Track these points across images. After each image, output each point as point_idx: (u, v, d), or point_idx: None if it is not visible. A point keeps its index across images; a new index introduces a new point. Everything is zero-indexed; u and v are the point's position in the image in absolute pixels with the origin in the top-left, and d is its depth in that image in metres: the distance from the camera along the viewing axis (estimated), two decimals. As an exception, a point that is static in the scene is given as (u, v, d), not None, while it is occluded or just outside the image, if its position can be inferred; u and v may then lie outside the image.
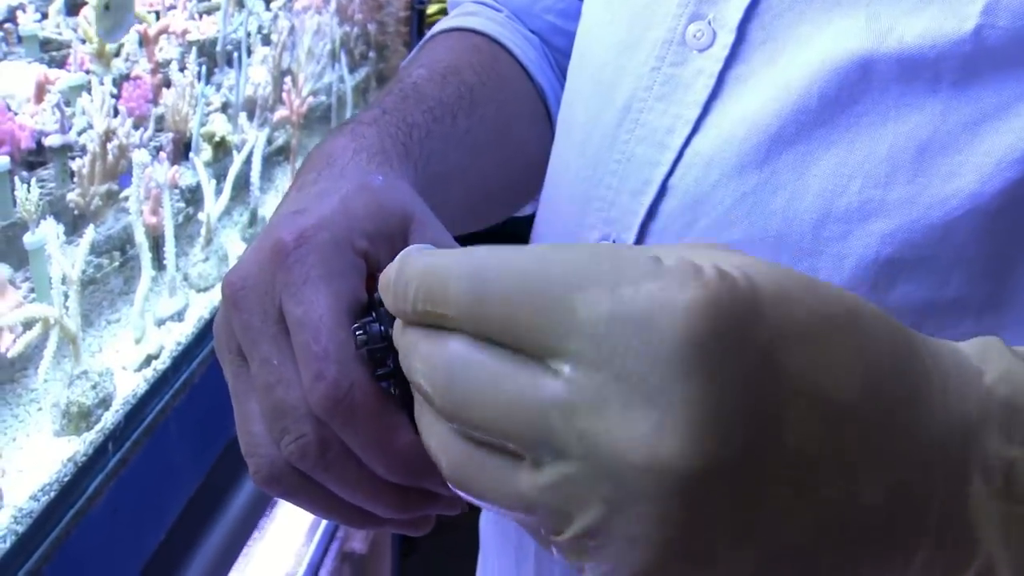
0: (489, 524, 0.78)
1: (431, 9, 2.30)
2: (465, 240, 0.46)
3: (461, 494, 0.34)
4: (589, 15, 0.67)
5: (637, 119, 0.59)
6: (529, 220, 0.81)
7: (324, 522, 1.49)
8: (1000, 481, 0.33)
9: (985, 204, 0.49)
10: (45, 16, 1.19)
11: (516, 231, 0.72)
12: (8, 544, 0.79)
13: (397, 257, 0.36)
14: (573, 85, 0.68)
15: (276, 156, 1.46)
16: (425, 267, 0.34)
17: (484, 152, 0.66)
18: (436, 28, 0.77)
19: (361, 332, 0.40)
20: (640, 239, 0.58)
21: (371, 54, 1.90)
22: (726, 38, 0.55)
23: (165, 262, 1.09)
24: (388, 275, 0.36)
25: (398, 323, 0.37)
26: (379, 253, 0.44)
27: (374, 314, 0.40)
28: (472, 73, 0.67)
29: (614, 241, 0.59)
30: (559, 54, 0.77)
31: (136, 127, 1.09)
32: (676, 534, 0.29)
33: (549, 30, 0.76)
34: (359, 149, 0.51)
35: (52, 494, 0.85)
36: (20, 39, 1.16)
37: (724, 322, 0.29)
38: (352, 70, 1.76)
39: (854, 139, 0.51)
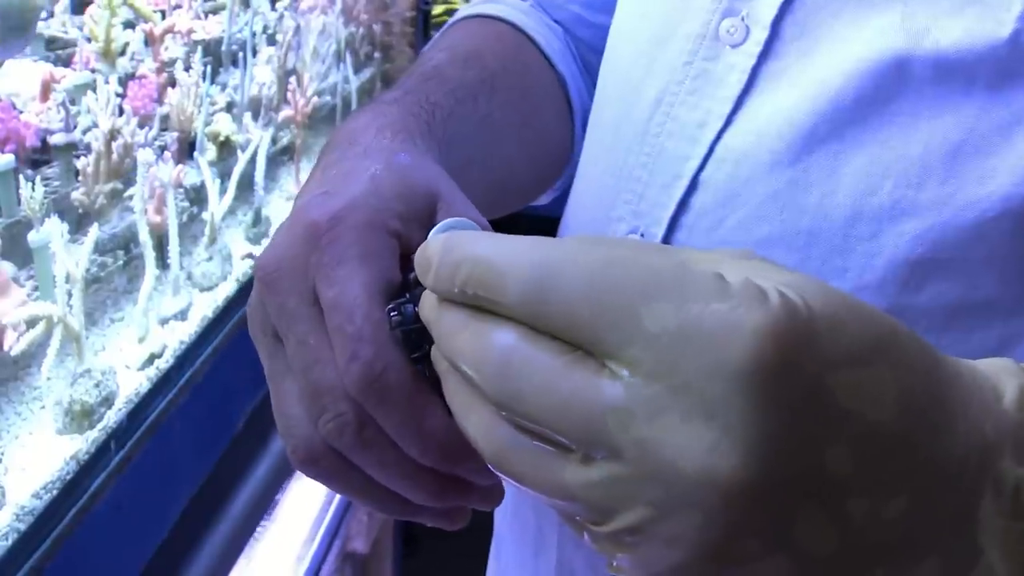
0: (506, 515, 0.78)
1: (437, 10, 2.30)
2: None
3: (498, 475, 0.35)
4: (623, 9, 0.67)
5: (668, 112, 0.59)
6: (544, 210, 0.81)
7: (326, 522, 1.49)
8: (1009, 500, 0.34)
9: (1018, 207, 0.49)
10: (51, 15, 1.20)
11: (532, 224, 0.72)
12: (10, 542, 0.79)
13: (433, 233, 0.37)
14: (605, 79, 0.68)
15: (281, 156, 1.47)
16: (480, 253, 0.34)
17: (505, 137, 0.66)
18: (458, 15, 0.77)
19: (395, 313, 0.40)
20: (669, 233, 0.58)
21: (376, 55, 1.90)
22: (760, 34, 0.55)
23: (169, 261, 1.09)
24: (427, 253, 0.36)
25: (429, 298, 0.37)
26: (411, 233, 0.44)
27: (408, 295, 0.40)
28: (494, 59, 0.67)
29: (642, 235, 0.59)
30: (583, 46, 0.77)
31: (141, 126, 1.09)
32: (716, 538, 0.30)
33: (574, 20, 0.76)
34: (382, 127, 0.51)
35: (54, 492, 0.85)
36: (26, 37, 1.16)
37: (786, 348, 0.30)
38: (357, 71, 1.76)
39: (887, 139, 0.51)
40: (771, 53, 0.55)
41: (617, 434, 0.31)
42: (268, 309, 0.44)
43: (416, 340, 0.40)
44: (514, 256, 0.33)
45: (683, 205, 0.57)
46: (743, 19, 0.56)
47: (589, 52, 0.76)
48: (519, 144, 0.69)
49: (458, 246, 0.35)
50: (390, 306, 0.41)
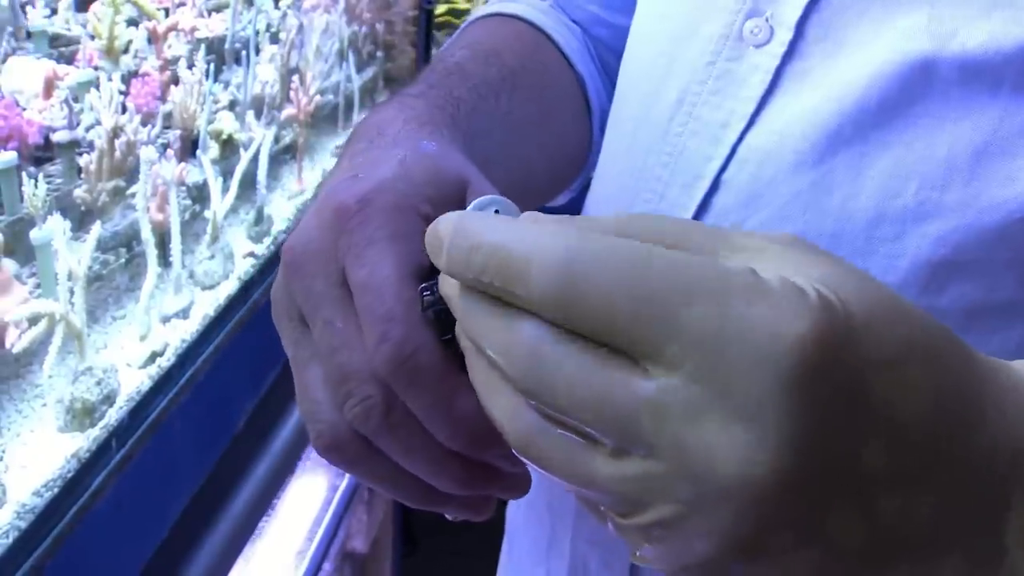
0: (520, 509, 0.78)
1: (439, 9, 2.30)
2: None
3: (525, 461, 0.35)
4: (643, 9, 0.67)
5: (690, 112, 0.58)
6: (560, 210, 0.80)
7: (326, 521, 1.49)
8: None
9: None
10: (55, 12, 1.19)
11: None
12: (11, 540, 0.79)
13: (471, 209, 0.36)
14: (625, 77, 0.68)
15: (283, 155, 1.46)
16: (498, 241, 0.33)
17: (525, 135, 0.66)
18: (475, 14, 0.77)
19: (428, 293, 0.39)
20: None
21: (379, 54, 1.90)
22: (784, 35, 0.55)
23: (171, 259, 1.09)
24: (437, 232, 0.35)
25: (449, 279, 0.36)
26: None
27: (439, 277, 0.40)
28: (514, 57, 0.67)
29: None
30: (601, 46, 0.77)
31: (144, 124, 1.09)
32: (748, 532, 0.31)
33: (591, 20, 0.76)
34: (409, 119, 0.51)
35: (55, 490, 0.85)
36: (29, 35, 1.16)
37: (826, 351, 0.30)
38: (359, 70, 1.76)
39: (912, 140, 0.51)
40: (795, 53, 0.55)
41: (653, 432, 0.31)
42: (294, 293, 0.44)
43: (447, 321, 0.39)
44: (538, 246, 0.32)
45: (704, 206, 0.57)
46: (767, 20, 0.56)
47: (607, 52, 0.76)
48: (538, 143, 0.68)
49: (473, 231, 0.34)
50: (422, 286, 0.40)
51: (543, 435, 0.33)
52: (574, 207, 0.75)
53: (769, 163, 0.55)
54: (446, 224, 0.35)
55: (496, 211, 0.37)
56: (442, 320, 0.39)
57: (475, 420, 0.39)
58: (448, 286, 0.36)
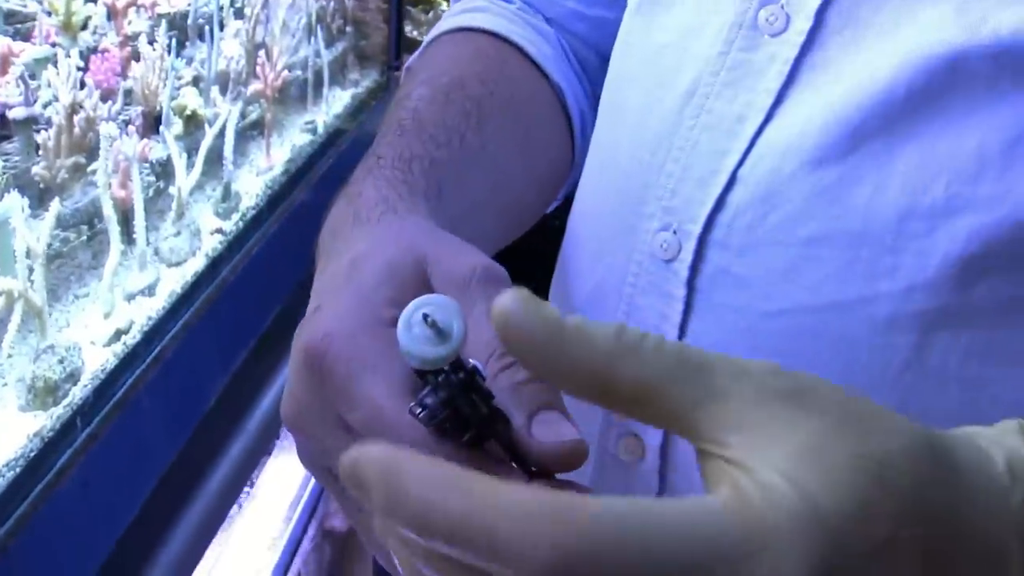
0: None
1: (410, -15, 2.28)
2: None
3: None
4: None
5: (703, 105, 0.57)
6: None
7: (304, 498, 1.48)
8: None
9: None
10: (11, -12, 1.17)
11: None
12: (-28, 519, 0.78)
13: (402, 318, 0.34)
14: (622, 69, 0.66)
15: (251, 131, 1.45)
16: (460, 527, 0.30)
17: (505, 164, 0.64)
18: (440, 27, 0.74)
19: (420, 410, 0.37)
20: (706, 231, 0.56)
21: (348, 29, 1.88)
22: (803, 24, 0.53)
23: (135, 236, 1.08)
24: (361, 479, 0.32)
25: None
26: None
27: (426, 385, 0.38)
28: (478, 84, 0.65)
29: (675, 232, 0.57)
30: (577, 41, 0.74)
31: (104, 100, 1.07)
32: None
33: (567, 16, 0.74)
34: (357, 212, 0.50)
35: (18, 469, 0.84)
36: (-15, 12, 1.14)
37: None
38: (329, 45, 1.74)
39: (940, 133, 0.50)
40: (814, 43, 0.53)
41: None
42: (310, 460, 0.44)
43: (456, 424, 0.37)
44: (530, 535, 0.29)
45: (720, 202, 0.55)
46: (782, 7, 0.54)
47: (585, 49, 0.74)
48: (521, 166, 0.67)
49: (411, 495, 0.30)
50: (412, 405, 0.38)
51: None
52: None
53: (790, 158, 0.53)
54: (370, 472, 0.31)
55: (425, 315, 0.34)
56: (451, 427, 0.38)
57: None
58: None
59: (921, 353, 0.51)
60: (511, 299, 0.33)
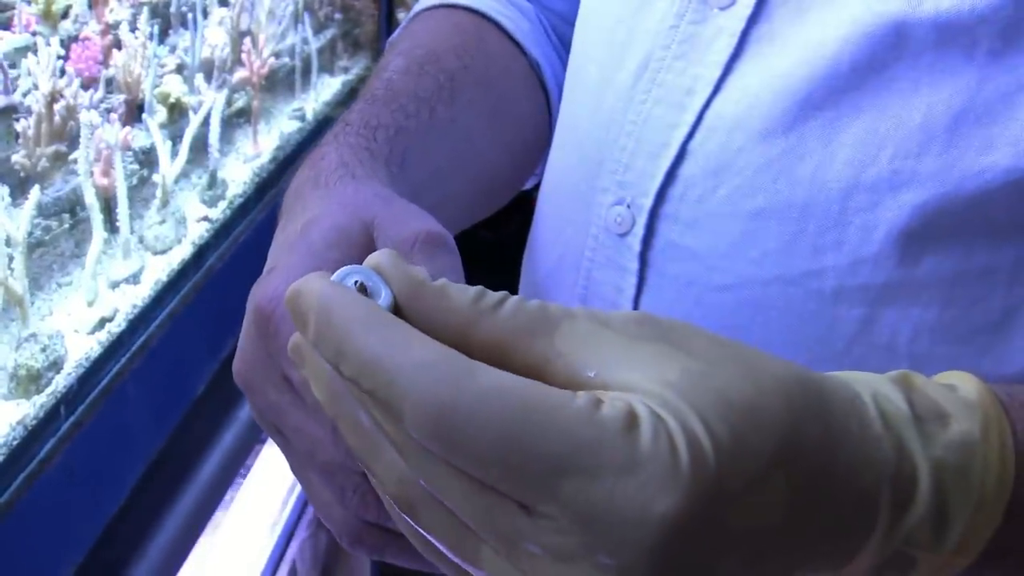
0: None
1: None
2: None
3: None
4: None
5: (654, 79, 0.57)
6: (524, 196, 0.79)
7: (297, 489, 1.48)
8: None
9: (1021, 176, 0.47)
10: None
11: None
12: (-47, 507, 0.78)
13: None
14: (581, 44, 0.66)
15: (237, 118, 1.44)
16: (370, 360, 0.32)
17: (476, 138, 0.65)
18: (422, 3, 0.75)
19: None
20: (657, 204, 0.56)
21: (337, 15, 1.87)
22: None
23: (118, 224, 1.07)
24: (300, 308, 0.34)
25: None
26: None
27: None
28: (454, 57, 0.65)
29: (628, 206, 0.57)
30: (556, 18, 0.74)
31: (85, 88, 1.07)
32: None
33: None
34: (318, 175, 0.51)
35: (0, 458, 0.84)
36: (-36, 2, 1.13)
37: (692, 520, 0.31)
38: (317, 32, 1.74)
39: (885, 106, 0.49)
40: (761, 16, 0.53)
41: (529, 559, 0.32)
42: (257, 412, 0.45)
43: None
44: (412, 384, 0.31)
45: (671, 175, 0.55)
46: None
47: (563, 24, 0.74)
48: (494, 139, 0.67)
49: (338, 327, 0.33)
50: None
51: (430, 509, 0.34)
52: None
53: (738, 131, 0.53)
54: (309, 299, 0.34)
55: (357, 282, 0.35)
56: None
57: None
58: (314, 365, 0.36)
59: (869, 327, 0.51)
60: (384, 255, 0.35)
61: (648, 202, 0.56)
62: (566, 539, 0.31)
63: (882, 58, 0.49)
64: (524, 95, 0.72)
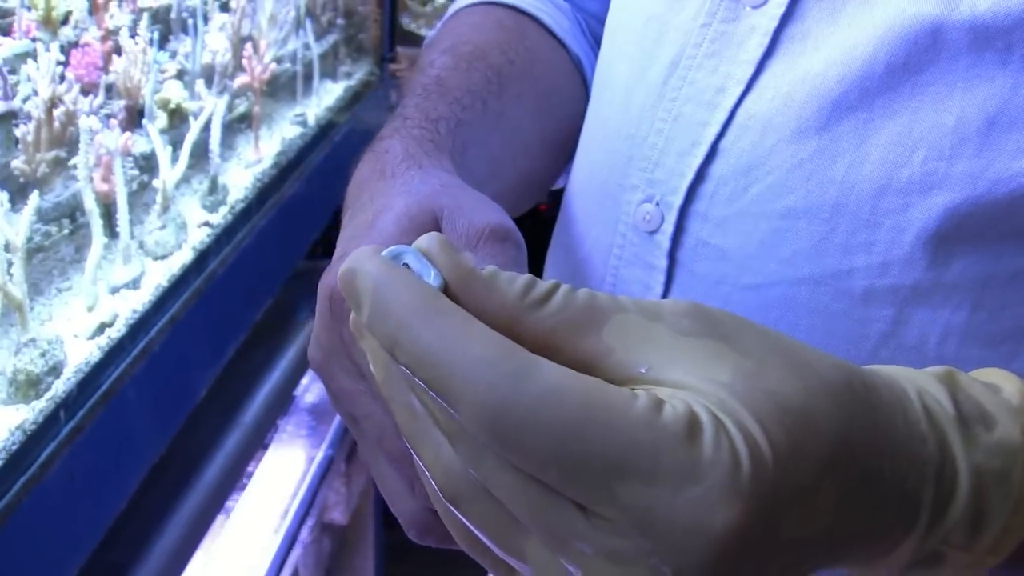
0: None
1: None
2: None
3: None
4: None
5: (685, 76, 0.57)
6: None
7: (302, 491, 1.48)
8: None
9: None
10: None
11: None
12: (-48, 512, 0.78)
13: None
14: (612, 42, 0.66)
15: (238, 124, 1.44)
16: (426, 351, 0.32)
17: (523, 131, 0.65)
18: (459, 3, 0.75)
19: None
20: (687, 202, 0.56)
21: (339, 21, 1.88)
22: None
23: (118, 229, 1.07)
24: (356, 288, 0.34)
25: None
26: None
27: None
28: (499, 53, 0.66)
29: (658, 204, 0.57)
30: (592, 19, 0.75)
31: (85, 94, 1.07)
32: None
33: None
34: (383, 168, 0.51)
35: (-1, 462, 0.84)
36: (-36, 8, 1.14)
37: (750, 533, 0.31)
38: (319, 37, 1.74)
39: (919, 108, 0.49)
40: (794, 15, 0.53)
41: (581, 558, 0.32)
42: (332, 399, 0.45)
43: None
44: (469, 381, 0.31)
45: (701, 174, 0.55)
46: None
47: (598, 25, 0.74)
48: (539, 134, 0.68)
49: (398, 316, 0.32)
50: None
51: (476, 500, 0.34)
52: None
53: (770, 130, 0.53)
54: (364, 281, 0.34)
55: (406, 264, 0.35)
56: None
57: None
58: (371, 343, 0.35)
59: (898, 329, 0.51)
60: (432, 238, 0.35)
61: (678, 200, 0.56)
62: (622, 542, 0.31)
63: (916, 60, 0.49)
64: (567, 89, 0.73)
